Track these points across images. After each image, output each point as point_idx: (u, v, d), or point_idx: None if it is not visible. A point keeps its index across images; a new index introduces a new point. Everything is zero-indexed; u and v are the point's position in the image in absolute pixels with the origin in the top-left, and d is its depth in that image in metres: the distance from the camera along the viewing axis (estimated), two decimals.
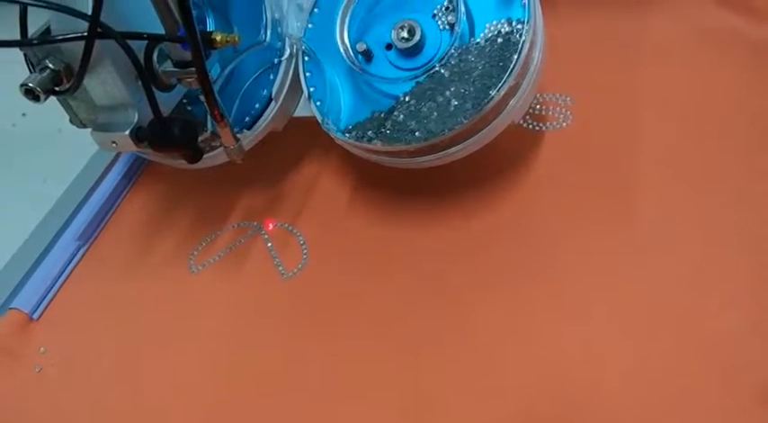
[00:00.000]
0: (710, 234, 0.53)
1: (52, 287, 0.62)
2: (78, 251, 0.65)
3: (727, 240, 0.52)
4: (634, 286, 0.52)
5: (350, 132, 0.56)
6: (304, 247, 0.61)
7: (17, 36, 0.46)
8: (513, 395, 0.48)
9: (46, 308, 0.61)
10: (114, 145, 0.48)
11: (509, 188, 0.61)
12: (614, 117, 0.63)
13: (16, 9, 0.46)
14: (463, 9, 0.53)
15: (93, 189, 0.69)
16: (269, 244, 0.62)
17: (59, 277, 0.63)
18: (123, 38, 0.43)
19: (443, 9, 0.55)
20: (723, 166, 0.57)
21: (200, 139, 0.56)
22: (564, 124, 0.64)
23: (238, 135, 0.58)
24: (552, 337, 0.50)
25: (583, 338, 0.50)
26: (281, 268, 0.60)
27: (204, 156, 0.58)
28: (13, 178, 0.74)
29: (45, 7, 0.43)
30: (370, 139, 0.55)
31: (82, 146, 0.58)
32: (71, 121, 0.51)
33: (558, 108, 0.65)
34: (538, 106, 0.66)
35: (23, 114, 0.80)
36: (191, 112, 0.56)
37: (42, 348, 0.58)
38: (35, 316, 0.61)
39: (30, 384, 0.56)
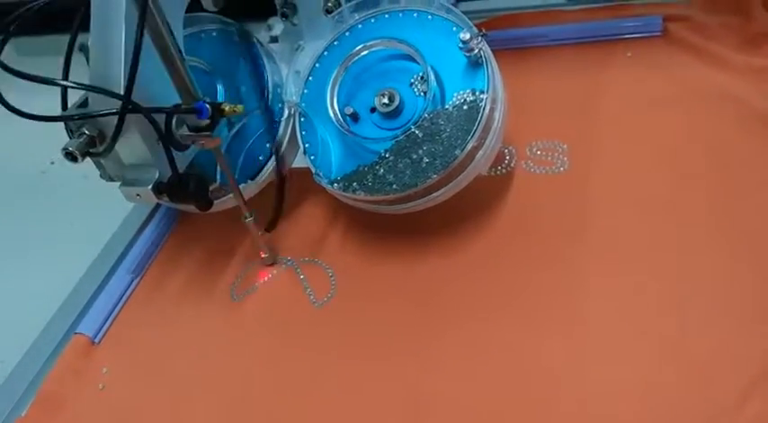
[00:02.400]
0: (685, 266, 0.60)
1: (110, 314, 0.71)
2: (132, 282, 0.74)
3: (702, 272, 0.59)
4: (608, 317, 0.58)
5: (338, 183, 0.65)
6: (333, 279, 0.69)
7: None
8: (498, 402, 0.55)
9: (106, 332, 0.69)
10: (138, 197, 0.56)
11: (481, 228, 0.69)
12: (599, 166, 0.71)
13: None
14: (434, 79, 0.63)
15: (141, 228, 0.79)
16: (301, 276, 0.70)
17: (116, 305, 0.72)
18: (149, 112, 0.52)
19: (419, 79, 0.65)
20: (700, 210, 0.64)
21: (210, 189, 0.65)
22: (561, 169, 0.72)
23: (242, 185, 0.68)
24: (531, 352, 0.57)
25: (560, 355, 0.56)
26: (311, 297, 0.68)
27: (215, 202, 0.67)
28: (44, 221, 0.84)
29: (84, 89, 0.52)
30: (354, 190, 0.64)
31: (106, 191, 0.66)
32: (101, 176, 0.60)
33: (555, 154, 0.74)
34: (538, 152, 0.75)
35: (52, 162, 0.90)
36: (201, 167, 0.65)
37: (105, 368, 0.66)
38: (96, 340, 0.68)
39: (95, 400, 0.63)
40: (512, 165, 0.74)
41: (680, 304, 0.58)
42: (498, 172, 0.74)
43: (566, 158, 0.73)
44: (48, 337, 0.69)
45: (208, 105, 0.56)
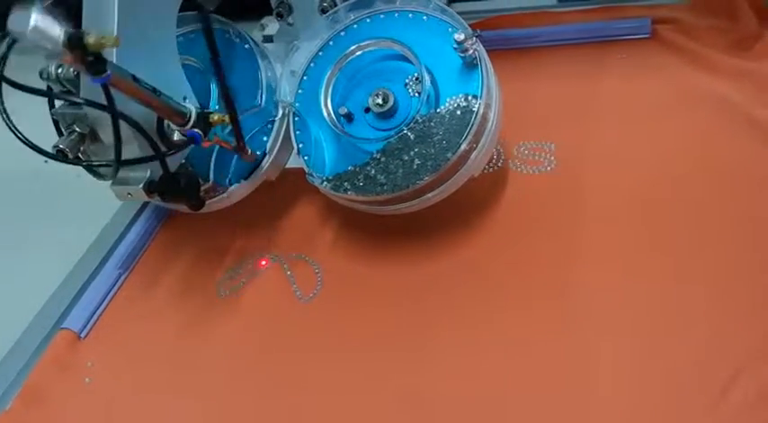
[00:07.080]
0: (672, 264, 0.60)
1: (97, 309, 0.71)
2: (119, 278, 0.74)
3: (689, 270, 0.60)
4: (599, 313, 0.58)
5: (329, 182, 0.65)
6: (319, 274, 0.69)
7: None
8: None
9: (92, 327, 0.69)
10: (130, 196, 0.56)
11: (472, 228, 0.69)
12: (587, 166, 0.71)
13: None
14: (429, 80, 0.62)
15: (130, 224, 0.79)
16: (288, 272, 0.70)
17: (103, 301, 0.72)
18: (137, 123, 0.52)
19: (413, 79, 0.64)
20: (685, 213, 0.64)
21: (202, 189, 0.65)
22: (548, 168, 0.73)
23: (235, 185, 0.67)
24: (523, 351, 0.57)
25: (555, 353, 0.56)
26: (298, 293, 0.68)
27: (207, 202, 0.67)
28: (38, 220, 0.85)
29: (72, 102, 0.52)
30: (345, 190, 0.64)
31: (98, 190, 0.66)
32: (92, 175, 0.60)
33: (543, 154, 0.74)
34: (526, 152, 0.75)
35: (45, 161, 0.90)
36: (193, 168, 0.65)
37: (89, 362, 0.66)
38: (83, 335, 0.69)
39: (79, 394, 0.64)
40: (499, 164, 0.74)
41: (668, 301, 0.58)
42: (486, 171, 0.74)
43: (553, 158, 0.73)
44: (34, 331, 0.69)
45: (199, 132, 0.56)
